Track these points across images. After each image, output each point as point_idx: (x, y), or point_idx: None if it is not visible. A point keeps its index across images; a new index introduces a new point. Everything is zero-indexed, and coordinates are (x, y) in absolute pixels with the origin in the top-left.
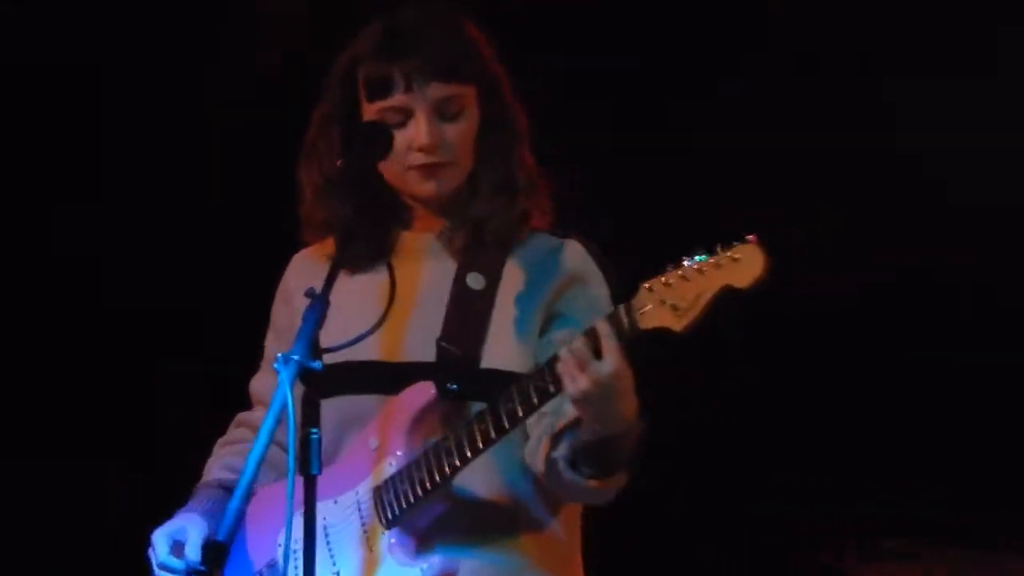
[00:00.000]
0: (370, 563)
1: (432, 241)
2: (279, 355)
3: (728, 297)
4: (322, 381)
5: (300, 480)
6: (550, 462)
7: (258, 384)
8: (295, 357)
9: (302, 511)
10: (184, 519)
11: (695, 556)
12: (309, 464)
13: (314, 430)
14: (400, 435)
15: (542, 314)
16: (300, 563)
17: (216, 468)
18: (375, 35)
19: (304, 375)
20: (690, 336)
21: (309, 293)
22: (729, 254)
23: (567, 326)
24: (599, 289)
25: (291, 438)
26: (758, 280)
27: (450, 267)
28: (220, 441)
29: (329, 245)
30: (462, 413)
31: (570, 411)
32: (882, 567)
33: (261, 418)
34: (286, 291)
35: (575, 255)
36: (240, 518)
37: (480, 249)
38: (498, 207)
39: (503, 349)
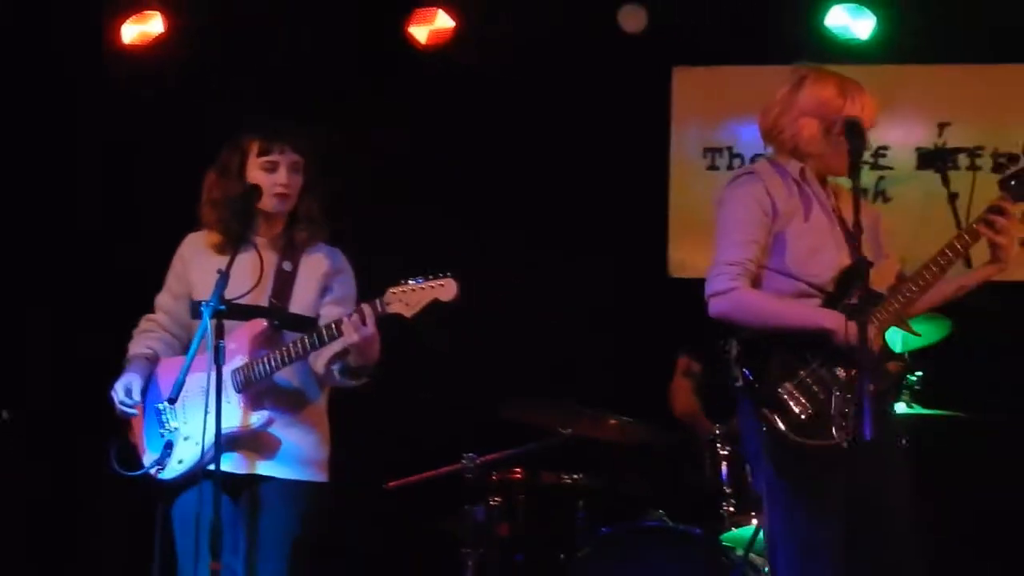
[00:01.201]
0: (229, 410)
1: (268, 241)
2: (204, 301)
3: (437, 304)
4: (223, 314)
5: (212, 366)
6: (328, 370)
7: (160, 299)
8: (212, 303)
9: (200, 374)
10: (129, 376)
11: None
12: (218, 356)
13: (221, 341)
14: (245, 344)
15: (322, 286)
16: (187, 404)
17: (139, 347)
18: (261, 128)
19: (215, 312)
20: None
21: (220, 271)
22: (439, 281)
23: (333, 295)
24: (351, 279)
25: (196, 341)
26: (455, 299)
27: (276, 257)
28: (136, 331)
29: (212, 236)
30: (281, 337)
31: (337, 346)
32: None
33: (161, 319)
34: (181, 256)
35: (340, 257)
36: (183, 382)
37: (291, 248)
38: (304, 226)
39: (302, 304)
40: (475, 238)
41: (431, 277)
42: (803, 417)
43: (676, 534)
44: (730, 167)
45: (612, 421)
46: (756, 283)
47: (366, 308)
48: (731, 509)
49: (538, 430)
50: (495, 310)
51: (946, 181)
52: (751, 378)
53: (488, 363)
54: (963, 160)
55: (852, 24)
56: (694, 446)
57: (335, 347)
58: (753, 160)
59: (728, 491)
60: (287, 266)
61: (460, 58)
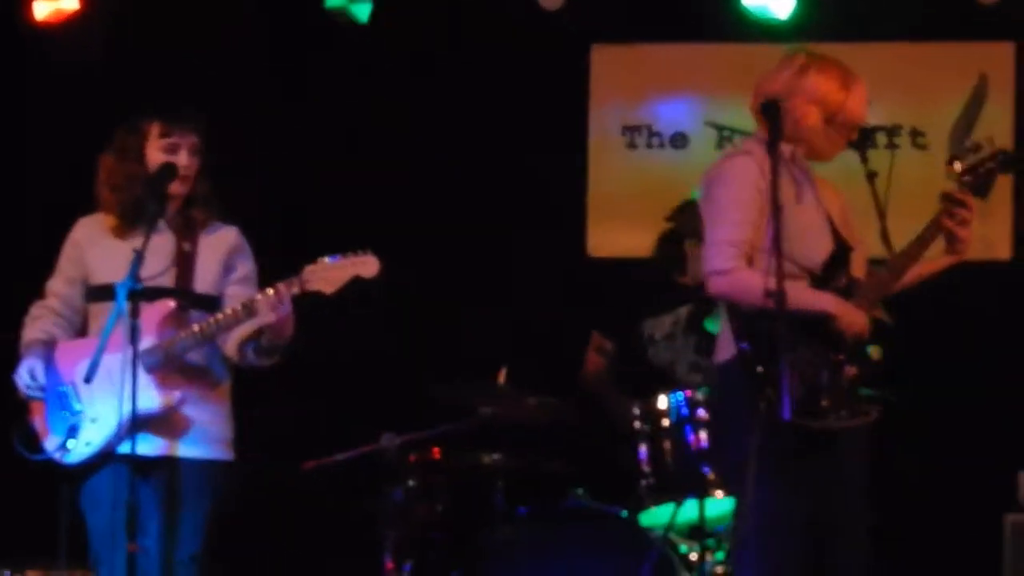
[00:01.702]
0: (140, 391)
1: (164, 223)
2: (121, 282)
3: (359, 281)
4: (138, 295)
5: (124, 348)
6: (242, 350)
7: (52, 284)
8: (129, 283)
9: (106, 356)
10: (31, 360)
11: None
12: (134, 337)
13: (136, 321)
14: (154, 326)
15: (224, 265)
16: (92, 386)
17: (35, 332)
18: (162, 110)
19: (131, 292)
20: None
21: (136, 250)
22: (360, 258)
23: (236, 273)
24: (251, 256)
25: (111, 322)
26: (376, 276)
27: (174, 238)
28: (29, 318)
29: (109, 219)
30: (188, 317)
31: (251, 326)
32: None
33: (53, 304)
34: (75, 241)
35: (237, 235)
36: (98, 363)
37: (188, 229)
38: (200, 206)
39: (205, 283)
40: (392, 217)
41: (351, 254)
42: (798, 396)
43: (595, 514)
44: (649, 146)
45: (531, 401)
46: (749, 263)
47: (282, 287)
48: (649, 488)
49: (457, 410)
50: (414, 289)
51: (865, 160)
52: (750, 354)
53: (407, 342)
54: (881, 139)
55: (771, 3)
56: (610, 424)
57: (249, 327)
58: (733, 143)
59: (646, 470)
60: (187, 246)
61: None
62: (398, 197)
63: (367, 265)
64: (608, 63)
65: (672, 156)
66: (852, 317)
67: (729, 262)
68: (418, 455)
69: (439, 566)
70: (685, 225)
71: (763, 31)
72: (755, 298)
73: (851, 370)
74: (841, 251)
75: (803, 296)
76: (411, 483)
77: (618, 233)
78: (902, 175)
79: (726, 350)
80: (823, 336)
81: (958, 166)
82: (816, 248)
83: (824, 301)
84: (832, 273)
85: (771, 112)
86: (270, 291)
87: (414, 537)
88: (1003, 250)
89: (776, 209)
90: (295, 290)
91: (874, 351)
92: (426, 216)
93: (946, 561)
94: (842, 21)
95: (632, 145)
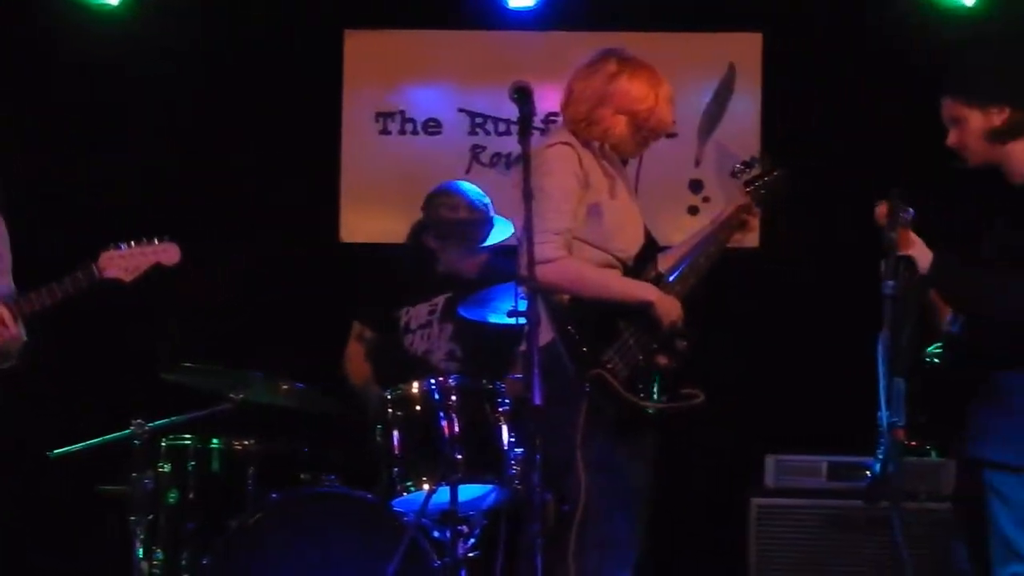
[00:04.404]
0: None
1: None
2: None
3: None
4: None
5: None
6: None
7: None
8: None
9: None
10: None
11: None
12: None
13: None
14: None
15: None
16: None
17: None
18: None
19: None
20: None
21: None
22: (161, 245)
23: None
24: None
25: None
26: (177, 263)
27: None
28: None
29: None
30: None
31: None
32: None
33: None
34: None
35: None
36: None
37: None
38: None
39: None
40: (145, 202)
41: (147, 241)
42: (624, 378)
43: (347, 499)
44: (402, 132)
45: (284, 386)
46: (569, 251)
47: (84, 273)
48: (402, 474)
49: (209, 396)
50: (167, 274)
51: None
52: (577, 338)
53: (159, 327)
54: None
55: None
56: (366, 411)
57: None
58: (549, 129)
59: (399, 456)
60: None
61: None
62: (151, 181)
63: (168, 252)
64: (361, 49)
65: (425, 142)
66: (669, 306)
67: (556, 251)
68: (169, 441)
69: (190, 553)
70: (430, 216)
71: (514, 19)
72: (581, 287)
73: (663, 359)
74: (651, 245)
75: (625, 284)
76: (162, 470)
77: (371, 219)
78: (653, 161)
79: (543, 336)
80: (642, 323)
81: (741, 180)
82: (630, 241)
83: (644, 289)
84: (643, 265)
85: (522, 97)
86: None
87: (165, 524)
88: (751, 238)
89: (528, 197)
90: (92, 278)
91: (681, 344)
92: (178, 201)
93: (695, 543)
94: (592, 10)
95: (385, 131)
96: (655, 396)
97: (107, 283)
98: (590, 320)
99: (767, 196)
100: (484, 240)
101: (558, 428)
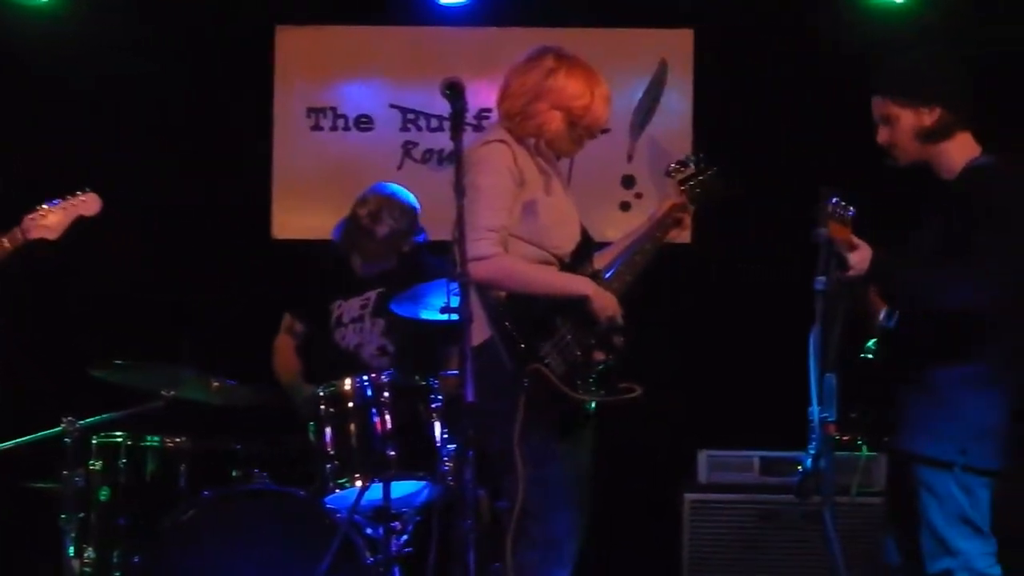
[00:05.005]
0: None
1: None
2: None
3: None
4: None
5: None
6: None
7: None
8: None
9: None
10: None
11: None
12: None
13: None
14: None
15: None
16: None
17: None
18: None
19: None
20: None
21: None
22: (80, 197)
23: None
24: None
25: None
26: (98, 212)
27: None
28: None
29: None
30: None
31: None
32: None
33: None
34: None
35: None
36: None
37: None
38: None
39: None
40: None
41: (68, 197)
42: (562, 373)
43: (280, 496)
44: (334, 128)
45: (215, 383)
46: (504, 249)
47: (12, 235)
48: (334, 470)
49: (140, 393)
50: (97, 271)
51: None
52: (514, 334)
53: (90, 324)
54: None
55: None
56: (296, 406)
57: None
58: (481, 125)
59: (331, 452)
60: None
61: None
62: (80, 178)
63: (88, 203)
64: (293, 45)
65: (357, 138)
66: (606, 301)
67: (492, 248)
68: (100, 439)
69: (122, 551)
70: (361, 210)
71: (447, 15)
72: (517, 283)
73: (599, 354)
74: (587, 242)
75: (561, 278)
76: (93, 467)
77: (303, 215)
78: (585, 158)
79: (480, 333)
80: (579, 318)
81: (675, 179)
82: (566, 238)
83: (582, 284)
84: (579, 263)
85: (454, 93)
86: None
87: (97, 522)
88: (684, 235)
89: (460, 193)
90: (18, 240)
91: (617, 339)
92: (110, 197)
93: (629, 538)
94: (524, 6)
95: (317, 127)
96: (593, 391)
97: (35, 245)
98: (527, 316)
99: (701, 195)
100: (385, 251)
101: (497, 424)
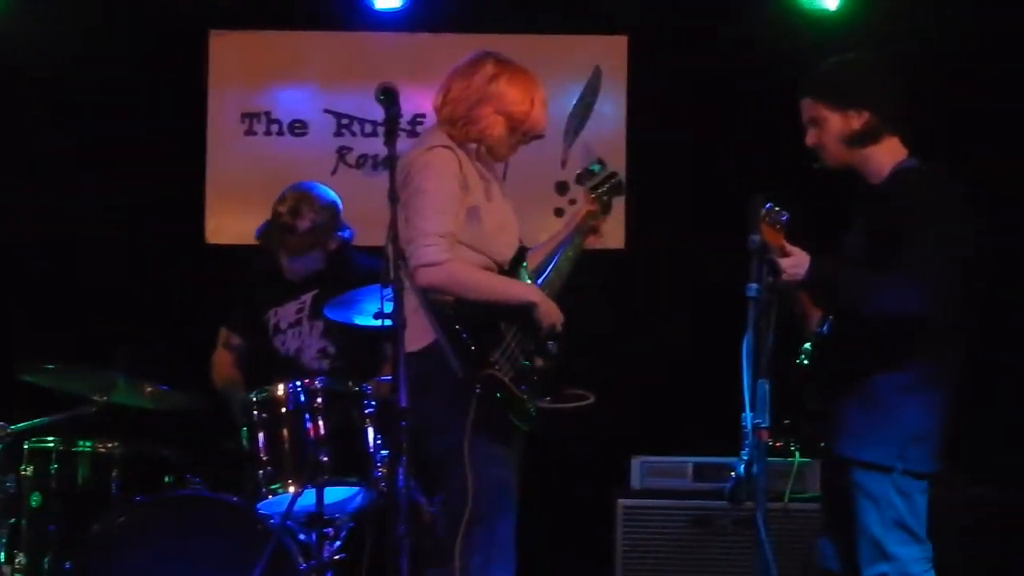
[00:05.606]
0: None
1: None
2: None
3: None
4: None
5: None
6: None
7: None
8: None
9: None
10: None
11: None
12: None
13: None
14: None
15: None
16: None
17: None
18: None
19: None
20: None
21: None
22: None
23: None
24: None
25: None
26: None
27: None
28: None
29: None
30: None
31: None
32: None
33: None
34: None
35: None
36: None
37: None
38: None
39: None
40: (11, 203)
41: None
42: (511, 379)
43: (212, 502)
44: (268, 133)
45: (148, 389)
46: (453, 255)
47: None
48: (267, 476)
49: (72, 398)
50: (28, 273)
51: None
52: (466, 338)
53: (20, 327)
54: None
55: None
56: (231, 414)
57: None
58: (415, 131)
59: (264, 458)
60: None
61: None
62: (13, 181)
63: None
64: (226, 49)
65: (291, 143)
66: (550, 308)
67: (442, 254)
68: (31, 444)
69: (53, 557)
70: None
71: (381, 20)
72: (467, 289)
73: (539, 360)
74: (522, 248)
75: (510, 285)
76: (24, 473)
77: (237, 220)
78: (519, 163)
79: (423, 337)
80: (521, 325)
81: (586, 187)
82: (507, 244)
83: (529, 291)
84: (516, 268)
85: (388, 99)
86: None
87: (28, 528)
88: (617, 240)
89: (394, 199)
90: None
91: (552, 346)
92: (43, 201)
93: (562, 544)
94: (458, 12)
95: (251, 132)
96: (540, 398)
97: None
98: (475, 322)
99: (608, 202)
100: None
101: (444, 430)
